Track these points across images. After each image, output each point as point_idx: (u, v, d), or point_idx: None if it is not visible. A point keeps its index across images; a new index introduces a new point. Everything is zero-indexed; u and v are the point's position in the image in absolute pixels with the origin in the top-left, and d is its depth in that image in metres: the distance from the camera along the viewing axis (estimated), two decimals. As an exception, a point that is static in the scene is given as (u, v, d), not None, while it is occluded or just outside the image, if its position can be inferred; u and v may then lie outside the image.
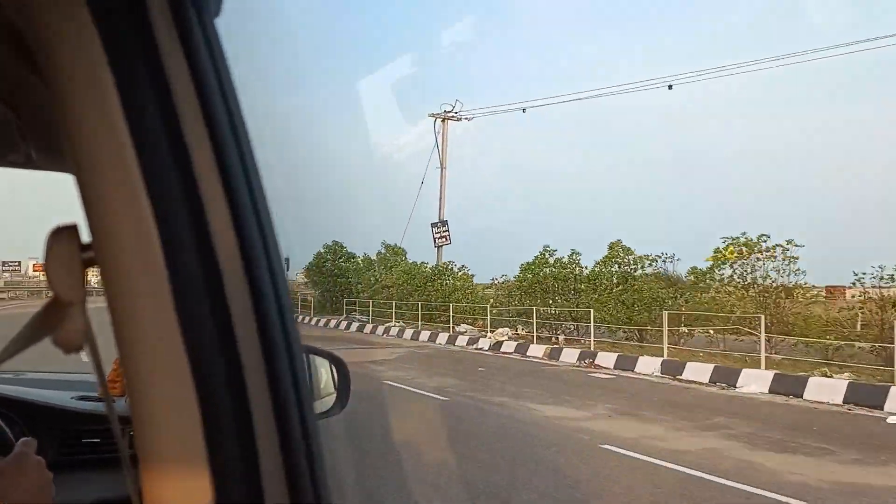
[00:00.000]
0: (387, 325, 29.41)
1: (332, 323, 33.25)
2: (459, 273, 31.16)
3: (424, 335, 25.99)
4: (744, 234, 19.28)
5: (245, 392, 0.68)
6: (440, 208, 35.17)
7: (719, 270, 19.99)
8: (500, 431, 9.72)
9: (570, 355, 19.20)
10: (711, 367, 15.32)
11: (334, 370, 2.31)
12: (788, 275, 18.75)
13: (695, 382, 15.02)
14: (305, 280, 41.94)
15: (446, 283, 30.41)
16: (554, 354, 19.78)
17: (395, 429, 9.65)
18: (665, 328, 17.96)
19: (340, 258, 39.82)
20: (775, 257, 18.83)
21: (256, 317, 0.70)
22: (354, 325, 31.28)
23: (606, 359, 18.01)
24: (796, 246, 18.68)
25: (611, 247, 23.58)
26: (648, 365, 16.77)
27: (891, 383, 12.43)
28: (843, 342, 15.56)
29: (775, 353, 16.53)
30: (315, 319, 34.87)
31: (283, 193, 0.80)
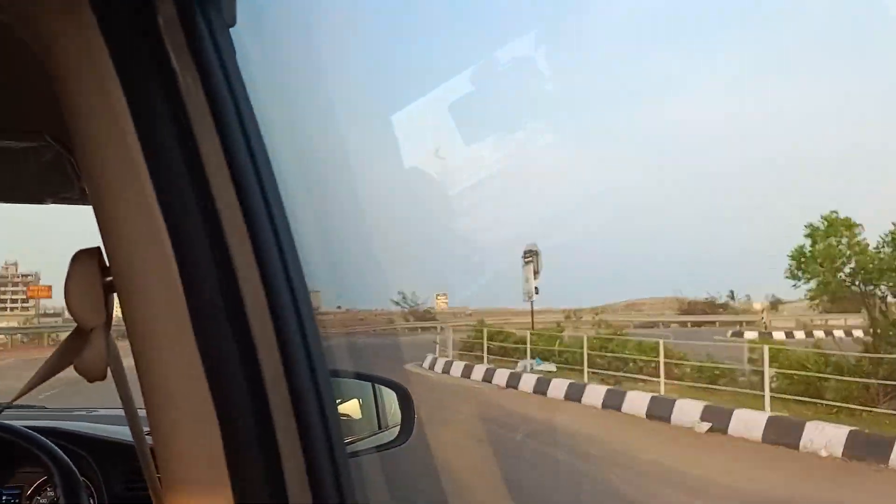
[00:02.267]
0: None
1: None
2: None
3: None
4: None
5: (270, 418, 0.64)
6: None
7: None
8: None
9: None
10: None
11: (400, 400, 2.26)
12: None
13: None
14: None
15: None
16: None
17: None
18: None
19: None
20: None
21: (278, 341, 0.66)
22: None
23: None
24: None
25: None
26: None
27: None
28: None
29: None
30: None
31: (306, 209, 0.75)
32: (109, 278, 0.66)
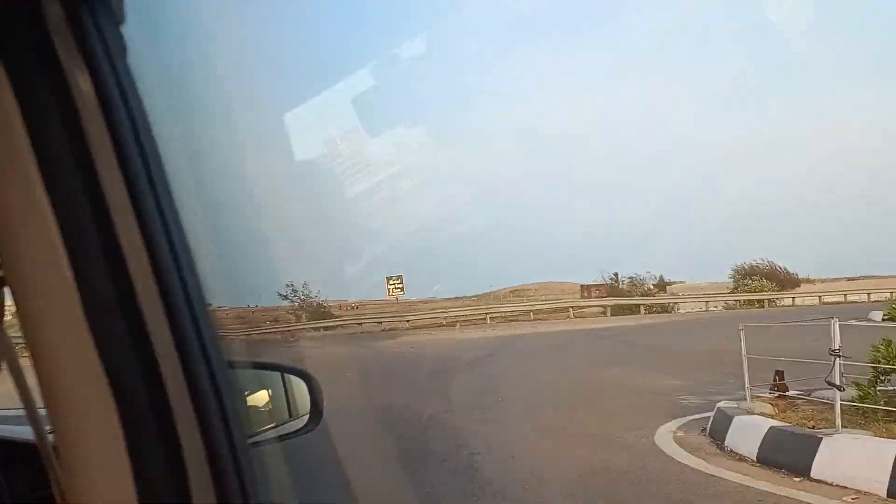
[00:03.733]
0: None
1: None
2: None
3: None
4: None
5: (170, 411, 0.66)
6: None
7: None
8: None
9: None
10: None
11: (307, 388, 2.28)
12: None
13: None
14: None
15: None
16: None
17: None
18: None
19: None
20: None
21: (173, 335, 0.67)
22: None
23: None
24: None
25: None
26: None
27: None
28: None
29: None
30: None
31: (195, 203, 0.77)
32: None
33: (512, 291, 42.45)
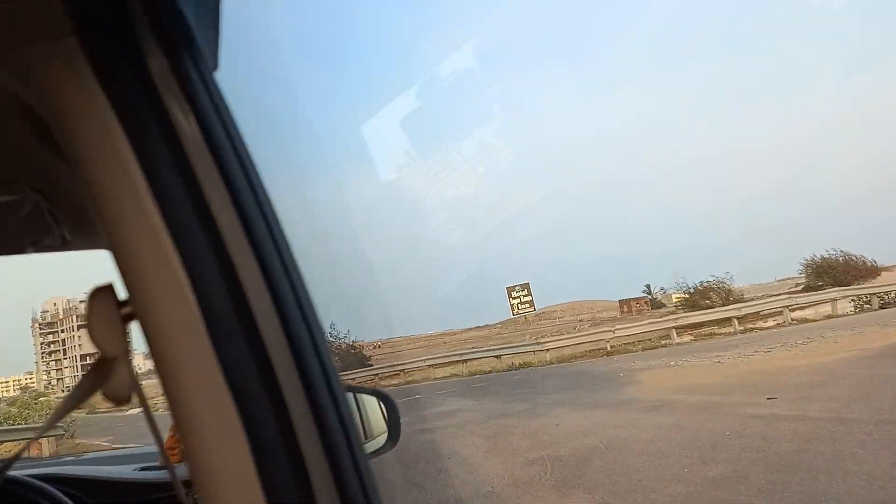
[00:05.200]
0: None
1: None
2: None
3: None
4: None
5: (295, 437, 0.68)
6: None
7: None
8: None
9: None
10: None
11: (383, 407, 2.30)
12: None
13: None
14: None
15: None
16: None
17: None
18: None
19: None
20: None
21: (295, 360, 0.70)
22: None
23: None
24: None
25: None
26: None
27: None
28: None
29: None
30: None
31: (307, 236, 0.80)
32: (127, 310, 0.70)
33: (537, 315, 39.65)
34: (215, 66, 0.77)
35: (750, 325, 22.91)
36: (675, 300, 34.35)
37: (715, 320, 23.69)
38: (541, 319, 38.88)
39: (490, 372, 22.97)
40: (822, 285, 29.74)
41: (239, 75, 0.82)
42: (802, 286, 32.83)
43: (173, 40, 0.70)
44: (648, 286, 38.54)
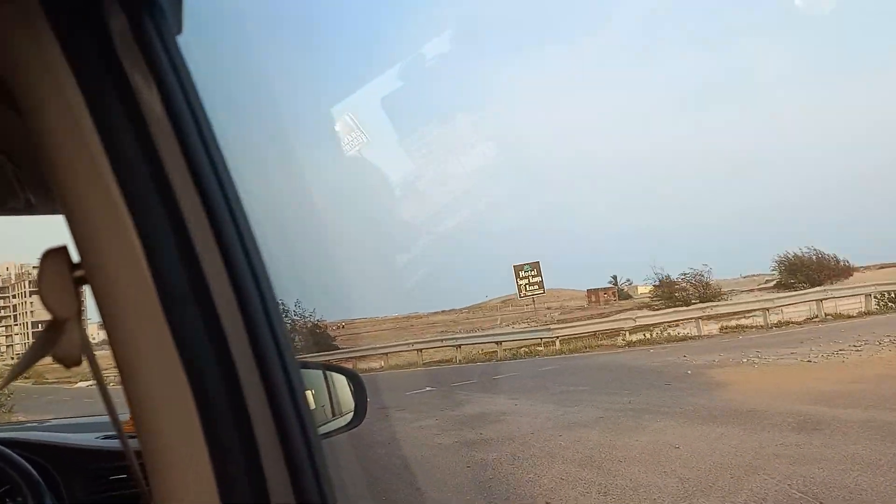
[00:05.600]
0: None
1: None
2: None
3: None
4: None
5: (246, 409, 0.68)
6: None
7: None
8: None
9: None
10: None
11: (351, 385, 2.31)
12: None
13: None
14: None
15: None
16: None
17: None
18: None
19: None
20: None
21: (247, 331, 0.69)
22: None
23: None
24: None
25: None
26: None
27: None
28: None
29: None
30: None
31: (263, 204, 0.79)
32: (79, 273, 0.69)
33: (504, 301, 39.56)
34: (178, 30, 0.74)
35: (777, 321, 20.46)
36: (640, 292, 34.10)
37: (742, 311, 22.10)
38: (508, 306, 38.32)
39: (490, 359, 20.63)
40: (795, 283, 29.72)
41: (203, 41, 0.80)
42: (774, 283, 32.79)
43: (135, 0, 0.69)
44: (615, 277, 38.74)
